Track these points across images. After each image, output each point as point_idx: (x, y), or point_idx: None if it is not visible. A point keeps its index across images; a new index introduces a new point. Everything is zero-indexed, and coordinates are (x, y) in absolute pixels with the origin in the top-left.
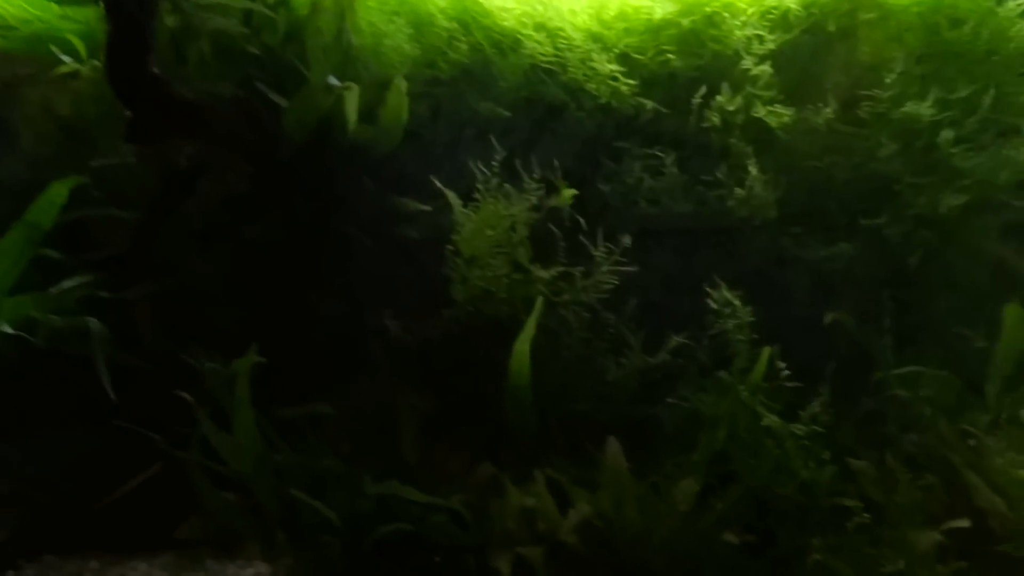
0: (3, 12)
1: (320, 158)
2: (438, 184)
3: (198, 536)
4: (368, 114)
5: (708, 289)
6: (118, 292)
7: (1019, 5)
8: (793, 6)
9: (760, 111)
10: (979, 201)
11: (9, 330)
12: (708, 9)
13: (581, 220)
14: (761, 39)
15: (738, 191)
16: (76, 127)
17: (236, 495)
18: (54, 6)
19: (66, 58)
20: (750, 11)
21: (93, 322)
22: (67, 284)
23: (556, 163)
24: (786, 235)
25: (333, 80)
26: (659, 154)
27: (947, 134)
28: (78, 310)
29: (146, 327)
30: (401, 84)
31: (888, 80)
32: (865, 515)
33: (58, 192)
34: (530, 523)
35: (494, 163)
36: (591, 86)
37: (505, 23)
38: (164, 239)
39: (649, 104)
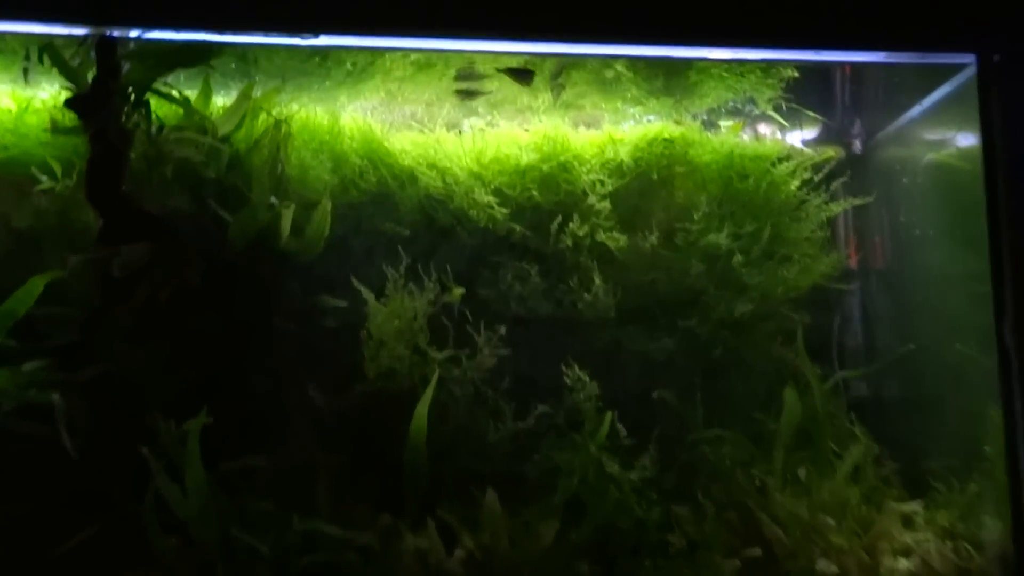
0: None
1: (256, 262)
2: (355, 283)
3: None
4: (295, 229)
5: (564, 369)
6: (73, 374)
7: (787, 167)
8: (626, 159)
9: (602, 236)
10: (762, 309)
11: None
12: (562, 159)
13: (467, 314)
14: (603, 183)
15: (586, 296)
16: (29, 236)
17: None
18: (32, 135)
19: (43, 177)
20: (594, 161)
21: (55, 397)
22: (28, 367)
23: (448, 269)
24: (622, 330)
25: (274, 200)
26: (526, 266)
27: (738, 258)
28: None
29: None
30: (326, 204)
31: (696, 217)
32: (684, 544)
33: (36, 285)
34: (423, 560)
35: (400, 268)
36: (473, 213)
37: (404, 162)
38: (120, 326)
39: (518, 228)
